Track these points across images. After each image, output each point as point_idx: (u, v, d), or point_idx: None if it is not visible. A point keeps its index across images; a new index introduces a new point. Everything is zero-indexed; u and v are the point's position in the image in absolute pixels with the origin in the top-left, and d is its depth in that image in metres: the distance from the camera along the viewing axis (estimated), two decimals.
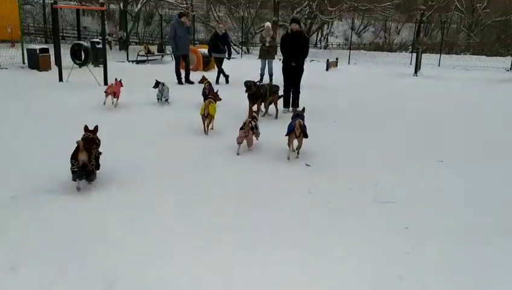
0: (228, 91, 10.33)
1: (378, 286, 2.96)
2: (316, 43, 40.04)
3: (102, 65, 11.42)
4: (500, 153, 6.27)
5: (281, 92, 8.33)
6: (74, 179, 4.15)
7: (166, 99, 8.76)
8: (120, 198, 4.15)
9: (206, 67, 14.80)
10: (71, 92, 9.72)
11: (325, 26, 38.55)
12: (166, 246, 3.33)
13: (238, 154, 5.70)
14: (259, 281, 2.96)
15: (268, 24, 12.82)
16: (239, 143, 5.73)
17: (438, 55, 21.56)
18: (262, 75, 12.32)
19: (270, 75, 12.26)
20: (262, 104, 7.96)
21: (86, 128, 4.66)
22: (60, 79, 11.14)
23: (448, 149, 6.36)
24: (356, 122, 7.93)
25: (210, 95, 7.37)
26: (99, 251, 3.18)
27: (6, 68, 12.92)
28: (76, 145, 4.15)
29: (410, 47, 29.25)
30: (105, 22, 22.32)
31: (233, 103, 8.73)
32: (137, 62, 16.78)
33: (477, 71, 18.19)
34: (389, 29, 46.37)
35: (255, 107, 7.65)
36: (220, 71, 12.20)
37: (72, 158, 4.11)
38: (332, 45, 40.59)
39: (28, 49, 13.36)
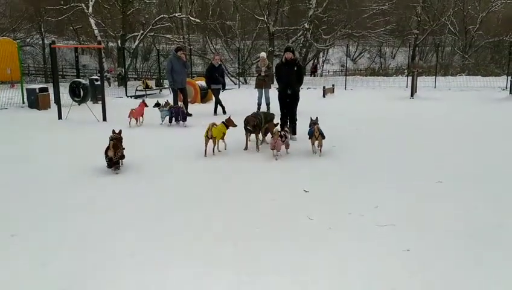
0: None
1: None
2: (312, 72, 40.61)
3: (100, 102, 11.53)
4: (499, 173, 6.24)
5: (277, 120, 8.37)
6: (108, 167, 6.07)
7: (183, 120, 10.01)
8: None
9: (204, 99, 14.94)
10: (70, 129, 9.79)
11: (321, 54, 39.13)
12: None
13: (276, 159, 6.92)
14: None
15: (263, 54, 13.00)
16: (272, 149, 6.93)
17: (434, 77, 21.77)
18: (259, 104, 12.43)
19: (267, 104, 12.36)
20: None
21: (113, 131, 6.31)
22: (60, 117, 11.23)
23: (447, 170, 6.33)
24: (354, 146, 7.92)
25: (225, 121, 7.53)
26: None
27: (6, 108, 13.05)
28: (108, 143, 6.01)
29: (406, 71, 29.61)
30: (104, 60, 22.81)
31: (230, 132, 8.74)
32: (136, 97, 16.96)
33: (472, 91, 18.33)
34: (384, 54, 47.14)
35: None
36: (218, 102, 12.31)
37: (105, 153, 6.02)
38: (328, 72, 41.13)
39: (27, 89, 13.53)
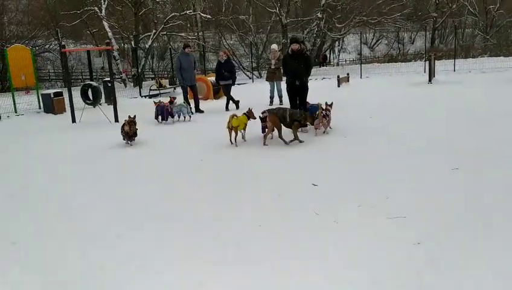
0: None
1: None
2: (330, 61, 40.04)
3: None
4: None
5: None
6: (124, 140, 7.87)
7: (188, 116, 10.42)
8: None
9: (217, 95, 14.85)
10: (82, 132, 9.86)
11: (336, 43, 38.50)
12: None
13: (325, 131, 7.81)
14: None
15: (274, 46, 12.82)
16: (316, 128, 7.66)
17: (453, 60, 21.09)
18: (271, 97, 12.29)
19: (280, 96, 12.20)
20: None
21: (129, 116, 7.99)
22: (73, 120, 11.32)
23: (465, 156, 6.05)
24: (367, 135, 7.70)
25: (247, 112, 7.86)
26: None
27: (23, 114, 13.25)
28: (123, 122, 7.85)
29: (425, 55, 28.87)
30: (119, 61, 22.97)
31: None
32: (150, 96, 16.98)
33: (494, 73, 17.66)
34: (402, 39, 46.09)
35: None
36: (229, 98, 12.20)
37: (121, 129, 7.87)
38: (346, 61, 40.49)
39: (42, 94, 13.69)
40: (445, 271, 3.15)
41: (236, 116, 7.57)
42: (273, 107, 8.53)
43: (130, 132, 7.82)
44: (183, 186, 5.54)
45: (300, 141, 7.27)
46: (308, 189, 5.10)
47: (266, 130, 7.46)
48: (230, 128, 7.45)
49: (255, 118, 7.77)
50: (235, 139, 7.54)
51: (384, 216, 4.15)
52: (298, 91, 8.27)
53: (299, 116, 7.43)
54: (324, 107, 7.99)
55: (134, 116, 8.02)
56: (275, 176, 5.70)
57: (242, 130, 7.71)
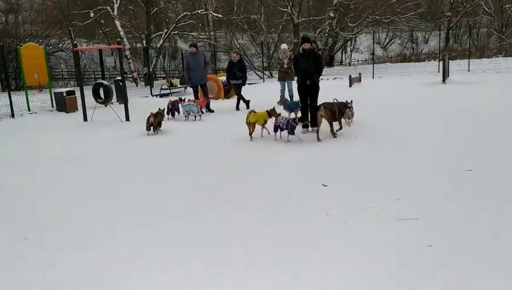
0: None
1: None
2: (341, 61, 39.80)
3: None
4: None
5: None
6: (147, 130, 8.74)
7: (198, 115, 10.55)
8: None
9: (228, 94, 14.82)
10: (93, 130, 9.91)
11: (349, 42, 38.23)
12: None
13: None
14: None
15: (284, 46, 12.72)
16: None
17: (468, 60, 20.79)
18: (282, 97, 12.17)
19: (291, 96, 12.09)
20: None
21: (158, 109, 9.15)
22: (85, 119, 11.39)
23: (478, 157, 5.93)
24: (378, 136, 7.61)
25: (269, 110, 8.04)
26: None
27: (36, 112, 13.37)
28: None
29: (438, 55, 28.54)
30: (131, 60, 23.10)
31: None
32: (161, 96, 17.04)
33: (509, 73, 17.38)
34: (416, 39, 45.58)
35: None
36: (240, 97, 12.16)
37: (147, 120, 8.71)
38: (358, 61, 40.18)
39: (55, 93, 13.78)
40: (456, 274, 3.06)
41: (254, 112, 7.96)
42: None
43: (154, 123, 8.70)
44: (190, 184, 5.51)
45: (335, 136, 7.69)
46: (318, 189, 5.03)
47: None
48: (248, 123, 7.81)
49: (276, 116, 7.83)
50: (251, 134, 7.88)
51: (395, 218, 4.07)
52: (309, 91, 8.20)
53: (343, 108, 8.01)
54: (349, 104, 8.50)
55: (163, 109, 9.36)
56: (285, 175, 5.65)
57: (262, 126, 7.99)
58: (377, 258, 3.36)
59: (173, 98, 11.90)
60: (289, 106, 9.93)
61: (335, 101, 8.14)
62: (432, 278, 3.04)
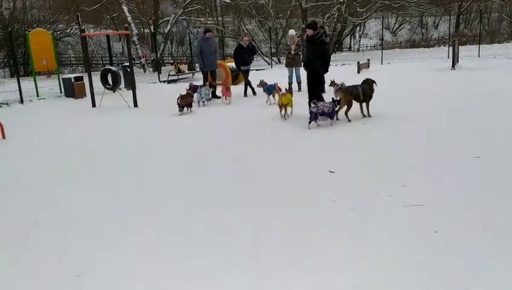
0: (256, 100, 10.77)
1: None
2: (350, 47, 39.44)
3: None
4: None
5: None
6: (180, 111, 9.46)
7: (208, 99, 10.81)
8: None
9: (236, 81, 14.77)
10: (101, 115, 10.00)
11: (357, 28, 37.80)
12: None
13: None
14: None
15: (292, 32, 12.61)
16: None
17: (478, 46, 20.51)
18: (290, 84, 12.12)
19: (299, 83, 12.06)
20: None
21: (186, 91, 10.21)
22: (93, 105, 11.45)
23: (487, 144, 5.89)
24: (386, 122, 7.58)
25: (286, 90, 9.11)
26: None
27: (44, 98, 13.45)
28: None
29: (448, 40, 28.14)
30: (138, 46, 23.03)
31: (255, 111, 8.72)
32: (169, 82, 17.03)
33: None
34: (425, 24, 44.93)
35: None
36: (247, 83, 12.13)
37: (177, 100, 9.41)
38: (366, 46, 39.78)
39: (63, 79, 13.85)
40: (462, 261, 3.08)
41: (285, 94, 8.54)
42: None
43: (181, 103, 9.40)
44: (198, 173, 5.54)
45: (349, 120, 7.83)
46: (324, 175, 5.05)
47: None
48: (281, 105, 8.35)
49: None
50: (285, 115, 8.43)
51: (401, 204, 4.09)
52: (309, 78, 8.17)
53: (371, 92, 8.00)
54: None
55: (190, 93, 10.03)
56: (291, 162, 5.67)
57: (289, 108, 8.55)
58: (383, 244, 3.39)
59: (196, 83, 11.92)
60: (268, 89, 10.34)
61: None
62: (438, 265, 3.06)
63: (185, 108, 9.61)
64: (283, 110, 8.39)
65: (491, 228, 3.54)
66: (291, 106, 8.56)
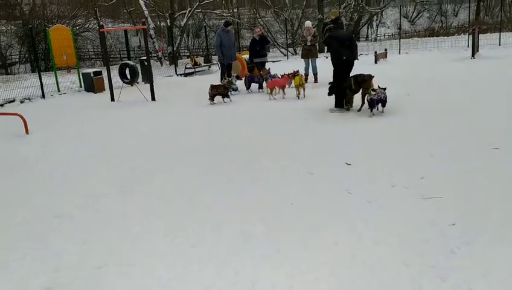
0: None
1: (420, 288, 2.77)
2: (367, 36, 38.92)
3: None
4: None
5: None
6: (210, 100, 9.90)
7: (234, 89, 11.18)
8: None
9: (252, 72, 14.77)
10: (120, 109, 10.17)
11: (375, 17, 37.28)
12: None
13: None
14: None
15: (308, 23, 12.57)
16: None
17: (498, 34, 20.06)
18: (306, 75, 12.11)
19: (315, 74, 12.04)
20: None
21: (223, 81, 10.43)
22: (112, 99, 11.64)
23: (506, 136, 5.82)
24: (404, 114, 7.53)
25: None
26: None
27: (65, 93, 13.73)
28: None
29: (468, 29, 27.58)
30: (155, 40, 23.21)
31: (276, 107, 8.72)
32: (185, 75, 17.16)
33: None
34: (445, 12, 44.03)
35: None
36: None
37: (208, 90, 9.89)
38: (384, 36, 39.19)
39: (83, 74, 14.11)
40: (479, 253, 3.09)
41: (294, 76, 9.81)
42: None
43: (210, 93, 9.83)
44: (213, 161, 5.61)
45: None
46: (340, 167, 5.07)
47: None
48: (297, 86, 9.64)
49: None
50: (304, 94, 9.78)
51: (418, 196, 4.10)
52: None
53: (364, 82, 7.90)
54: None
55: (227, 86, 10.12)
56: (306, 153, 5.70)
57: (301, 89, 9.68)
58: (400, 236, 3.41)
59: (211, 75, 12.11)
60: (267, 79, 10.76)
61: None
62: (456, 256, 3.08)
63: (212, 98, 9.91)
64: (296, 91, 9.64)
65: (509, 221, 3.52)
66: (304, 87, 9.70)
